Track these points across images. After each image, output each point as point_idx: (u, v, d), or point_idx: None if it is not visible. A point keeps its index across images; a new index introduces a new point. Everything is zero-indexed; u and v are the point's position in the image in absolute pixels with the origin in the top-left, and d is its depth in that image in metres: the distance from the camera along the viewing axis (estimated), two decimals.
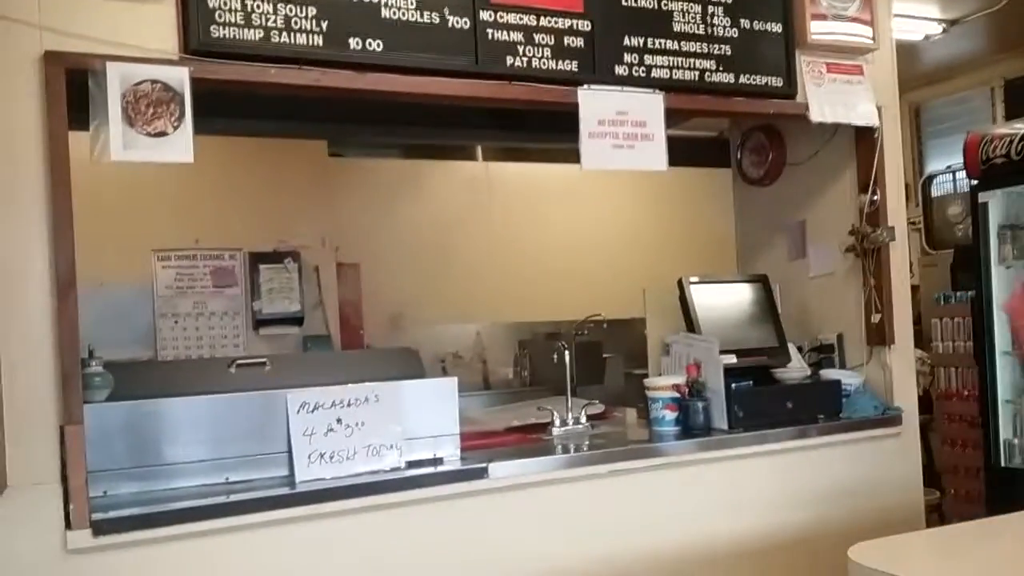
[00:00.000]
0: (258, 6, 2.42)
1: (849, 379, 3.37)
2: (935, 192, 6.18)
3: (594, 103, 2.85)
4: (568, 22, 2.85)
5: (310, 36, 2.49)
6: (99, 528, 2.16)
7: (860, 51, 3.35)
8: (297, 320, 4.09)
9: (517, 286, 4.89)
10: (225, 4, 2.38)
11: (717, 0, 3.09)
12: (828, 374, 3.41)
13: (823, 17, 3.23)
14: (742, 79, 3.13)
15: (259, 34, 2.43)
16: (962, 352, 4.83)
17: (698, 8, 3.06)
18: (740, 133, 3.98)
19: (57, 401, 2.16)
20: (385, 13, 2.59)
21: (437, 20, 2.66)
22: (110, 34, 2.26)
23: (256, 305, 4.03)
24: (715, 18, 3.09)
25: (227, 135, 3.76)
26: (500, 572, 2.67)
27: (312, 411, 2.44)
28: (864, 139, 3.45)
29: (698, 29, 3.06)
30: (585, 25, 2.87)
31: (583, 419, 3.17)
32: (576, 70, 2.86)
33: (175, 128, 2.30)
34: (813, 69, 3.26)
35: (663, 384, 3.09)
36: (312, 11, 2.49)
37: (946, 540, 1.84)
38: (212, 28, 2.36)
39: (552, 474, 2.77)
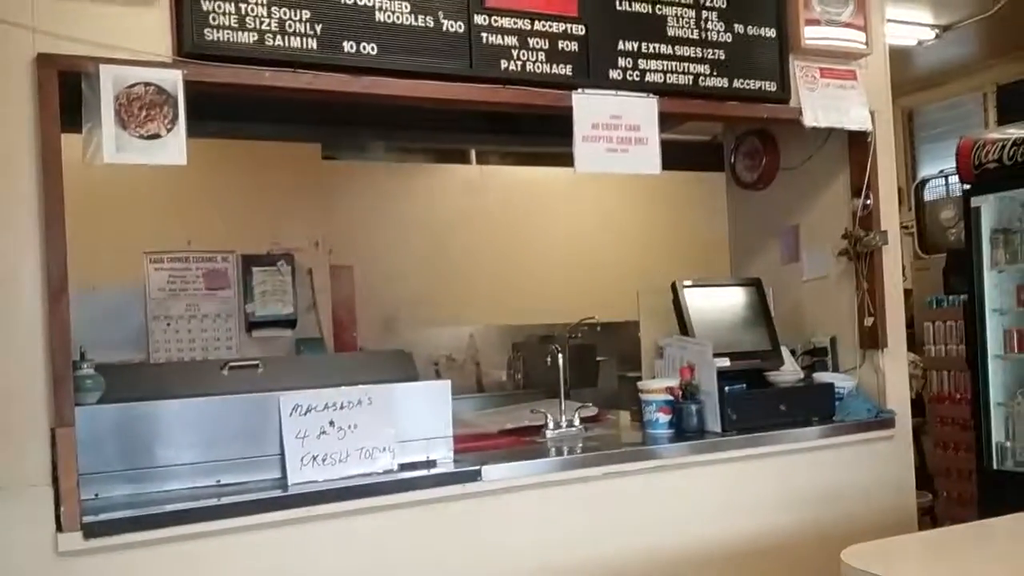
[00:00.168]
0: (252, 9, 2.42)
1: (842, 382, 3.39)
2: (928, 196, 6.19)
3: (588, 107, 2.86)
4: (562, 26, 2.85)
5: (304, 39, 2.49)
6: (90, 531, 2.15)
7: (853, 56, 3.36)
8: (290, 323, 4.08)
9: (511, 289, 4.89)
10: (219, 7, 2.38)
11: (711, 5, 3.10)
12: (821, 377, 3.42)
13: (816, 22, 3.25)
14: (736, 83, 3.14)
15: (253, 37, 2.42)
16: (954, 355, 4.85)
17: (692, 13, 3.07)
18: (734, 137, 3.99)
19: (48, 403, 2.15)
20: (379, 16, 2.59)
21: (431, 24, 2.66)
22: (103, 36, 2.26)
23: (249, 307, 4.01)
24: (709, 23, 3.10)
25: (220, 138, 3.75)
26: (494, 574, 2.67)
27: (305, 413, 2.44)
28: (857, 143, 3.46)
29: (692, 34, 3.07)
30: (579, 29, 2.87)
31: (576, 422, 3.17)
32: (570, 74, 2.86)
33: (168, 131, 2.30)
34: (807, 74, 3.27)
35: (657, 387, 3.10)
36: (306, 14, 2.49)
37: (938, 542, 1.85)
38: (206, 31, 2.36)
39: (545, 476, 2.77)
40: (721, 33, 3.12)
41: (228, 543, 2.31)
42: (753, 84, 3.18)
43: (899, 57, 4.49)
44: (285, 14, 2.46)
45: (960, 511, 4.55)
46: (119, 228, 3.81)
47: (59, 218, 2.19)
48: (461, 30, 2.69)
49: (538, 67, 2.81)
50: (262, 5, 2.43)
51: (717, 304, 3.39)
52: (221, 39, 2.38)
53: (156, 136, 2.28)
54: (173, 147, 2.31)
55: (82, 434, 2.18)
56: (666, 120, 3.05)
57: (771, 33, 3.22)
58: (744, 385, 3.21)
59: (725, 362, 3.13)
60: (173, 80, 2.31)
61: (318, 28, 2.50)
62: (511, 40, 2.77)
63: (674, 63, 3.04)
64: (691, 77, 3.06)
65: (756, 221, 3.96)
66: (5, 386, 2.13)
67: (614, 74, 2.93)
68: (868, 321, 3.43)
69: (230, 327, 3.97)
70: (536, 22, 2.81)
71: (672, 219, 5.35)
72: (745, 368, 3.24)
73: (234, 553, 2.33)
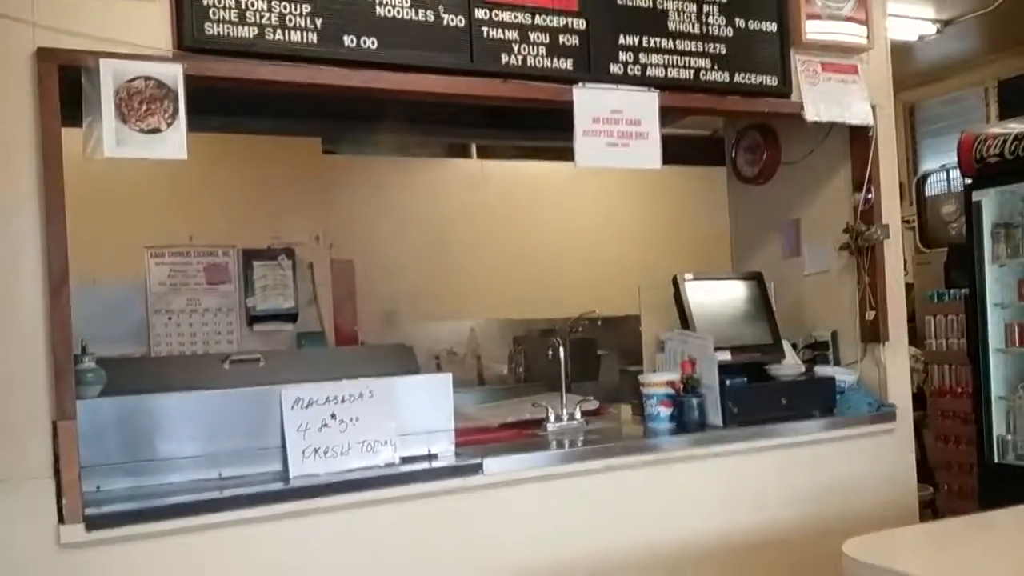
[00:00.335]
0: (252, 3, 2.42)
1: (843, 376, 3.38)
2: (929, 191, 6.19)
3: (589, 101, 2.86)
4: (563, 20, 2.85)
5: (304, 33, 2.48)
6: (92, 523, 2.15)
7: (855, 51, 3.35)
8: (291, 317, 4.09)
9: (512, 283, 4.89)
10: (219, 1, 2.38)
11: None
12: (822, 371, 3.42)
13: (818, 16, 3.24)
14: (737, 78, 3.14)
15: (253, 31, 2.42)
16: (955, 349, 4.85)
17: (693, 7, 3.06)
18: (735, 132, 3.99)
19: (50, 396, 2.15)
20: (379, 11, 2.58)
21: (432, 18, 2.66)
22: (103, 31, 2.26)
23: (250, 302, 4.02)
24: (710, 17, 3.09)
25: (221, 132, 3.75)
26: (494, 567, 2.67)
27: (306, 407, 2.44)
28: (858, 138, 3.46)
29: (693, 28, 3.06)
30: (580, 24, 2.87)
31: (577, 415, 3.17)
32: (571, 68, 2.86)
33: (169, 125, 2.30)
34: (808, 68, 3.26)
35: (658, 380, 3.10)
36: (306, 8, 2.49)
37: (940, 534, 1.85)
38: (206, 25, 2.36)
39: (546, 470, 2.78)
40: (722, 27, 3.11)
41: (229, 536, 2.32)
42: (754, 78, 3.17)
43: (900, 52, 4.48)
44: (285, 8, 2.46)
45: (961, 504, 4.56)
46: (120, 223, 3.81)
47: (60, 212, 2.19)
48: (461, 24, 2.69)
49: (539, 61, 2.81)
50: None
51: (718, 298, 3.39)
52: (221, 33, 2.38)
53: (156, 130, 2.28)
54: (173, 141, 2.31)
55: (84, 427, 2.18)
56: (667, 115, 3.04)
57: (772, 27, 3.21)
58: (745, 379, 3.21)
59: (726, 356, 3.13)
60: (173, 74, 2.31)
61: (318, 22, 2.50)
62: (512, 34, 2.77)
63: (675, 57, 3.03)
64: (692, 71, 3.06)
65: (757, 216, 3.96)
66: (7, 379, 2.13)
67: (615, 68, 2.93)
68: (869, 315, 3.43)
69: (231, 321, 3.98)
70: (537, 16, 2.81)
71: (673, 214, 5.35)
72: (746, 362, 3.24)
73: (235, 546, 2.33)
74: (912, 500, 3.46)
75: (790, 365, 3.36)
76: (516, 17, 2.77)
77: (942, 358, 4.94)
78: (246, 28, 2.41)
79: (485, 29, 2.72)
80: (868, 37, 3.34)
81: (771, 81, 3.20)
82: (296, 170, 4.33)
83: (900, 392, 3.45)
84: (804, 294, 3.70)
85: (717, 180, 4.19)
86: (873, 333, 3.44)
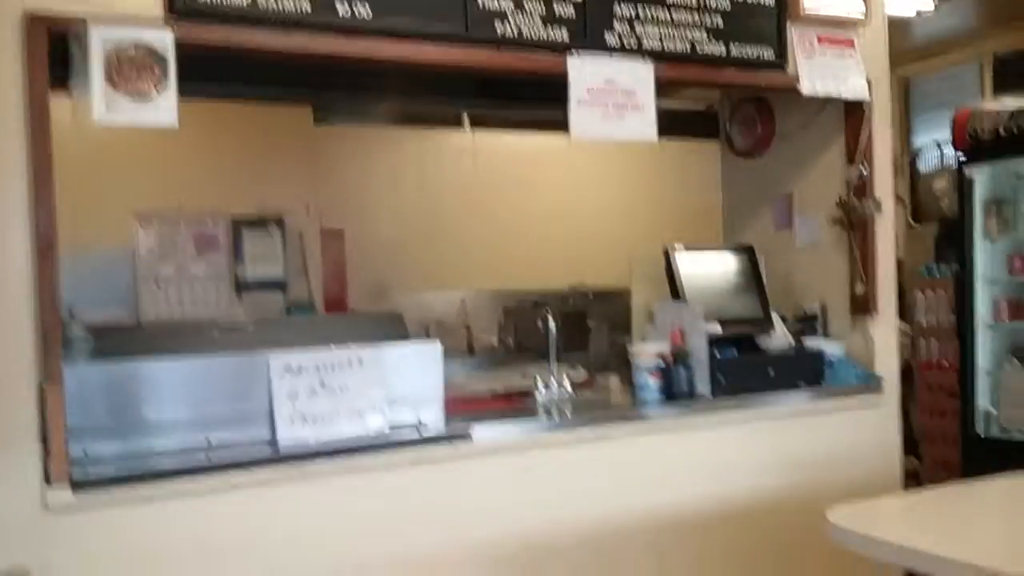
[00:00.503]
0: None
1: (832, 349, 3.40)
2: (922, 166, 6.20)
3: (584, 71, 2.83)
4: None
5: (297, 1, 2.45)
6: (79, 486, 2.16)
7: (852, 24, 3.34)
8: (280, 286, 4.08)
9: (502, 254, 4.88)
10: None
11: None
12: (811, 343, 3.43)
13: None
14: (733, 50, 3.12)
15: None
16: (944, 324, 4.88)
17: None
18: (730, 105, 3.97)
19: (37, 360, 2.15)
20: None
21: None
22: None
23: (239, 271, 4.01)
24: None
25: (211, 100, 3.71)
26: (482, 535, 2.70)
27: (295, 374, 2.44)
28: (853, 112, 3.45)
29: (690, 0, 3.04)
30: None
31: (567, 386, 3.18)
32: (566, 38, 2.84)
33: (159, 92, 2.27)
34: (804, 41, 3.24)
35: (647, 351, 3.11)
36: None
37: (922, 502, 1.88)
38: None
39: (536, 438, 2.79)
40: None
41: (217, 502, 2.33)
42: (751, 51, 3.15)
43: (897, 27, 4.45)
44: None
45: (944, 476, 4.60)
46: (109, 190, 3.79)
47: (48, 175, 2.17)
48: None
49: (534, 31, 2.79)
50: None
51: (709, 270, 3.40)
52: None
53: (146, 97, 2.26)
54: (164, 108, 2.28)
55: (71, 391, 2.18)
56: (662, 88, 3.03)
57: (769, 0, 3.19)
58: (735, 350, 3.23)
59: (716, 328, 3.14)
60: (164, 40, 2.28)
61: None
62: (506, 3, 2.74)
63: (671, 29, 3.01)
64: (688, 43, 3.04)
65: (750, 190, 3.96)
66: None
67: (610, 39, 2.90)
68: (859, 289, 3.44)
69: (220, 290, 3.96)
70: None
71: (665, 188, 5.34)
72: (736, 334, 3.26)
73: (223, 512, 2.35)
74: (896, 471, 3.50)
75: (779, 337, 3.37)
76: None
77: (930, 333, 4.97)
78: None
79: None
80: (865, 12, 3.33)
81: (768, 54, 3.18)
82: (286, 139, 4.30)
83: (888, 365, 3.47)
84: (795, 267, 3.71)
85: (710, 154, 4.17)
86: (863, 307, 3.45)
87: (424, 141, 5.02)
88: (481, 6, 2.70)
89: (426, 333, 4.48)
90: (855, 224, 3.46)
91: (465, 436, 2.64)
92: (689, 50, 3.04)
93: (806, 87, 3.21)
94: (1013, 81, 4.42)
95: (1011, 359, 4.15)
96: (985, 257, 4.22)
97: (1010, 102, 4.13)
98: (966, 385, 4.27)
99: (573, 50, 2.83)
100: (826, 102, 3.44)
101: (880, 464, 3.41)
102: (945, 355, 4.82)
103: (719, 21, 3.09)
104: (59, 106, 2.22)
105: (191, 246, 3.96)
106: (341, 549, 2.48)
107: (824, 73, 3.25)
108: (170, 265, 3.90)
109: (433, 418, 2.66)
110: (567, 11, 2.83)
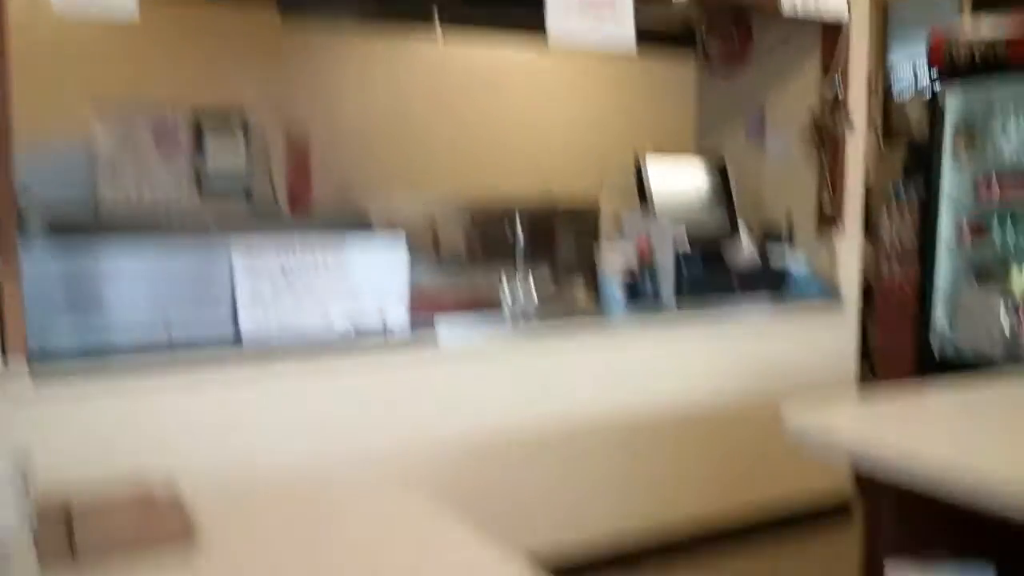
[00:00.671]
0: None
1: (796, 262, 3.43)
2: (895, 89, 6.17)
3: None
4: None
5: None
6: (38, 375, 2.13)
7: None
8: (244, 188, 3.99)
9: (471, 163, 4.82)
10: None
11: None
12: (776, 257, 3.46)
13: None
14: None
15: None
16: (908, 246, 4.92)
17: None
18: (707, 20, 3.90)
19: None
20: None
21: None
22: None
23: (202, 172, 3.91)
24: None
25: None
26: (444, 435, 2.72)
27: (259, 267, 2.40)
28: (830, 32, 3.43)
29: None
30: None
31: (533, 293, 3.18)
32: None
33: None
34: None
35: (614, 260, 3.11)
36: None
37: (876, 402, 1.93)
38: None
39: (501, 344, 2.80)
40: None
41: (178, 395, 2.32)
42: None
43: None
44: None
45: None
46: (67, 87, 3.65)
47: (4, 65, 2.08)
48: None
49: None
50: None
51: (679, 182, 3.39)
52: None
53: None
54: (125, 1, 2.18)
55: (29, 281, 2.13)
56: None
57: None
58: (701, 261, 3.24)
59: (683, 239, 3.14)
60: None
61: None
62: None
63: None
64: None
65: (723, 105, 3.93)
66: None
67: None
68: (827, 206, 3.46)
69: (181, 189, 3.87)
70: None
71: (638, 100, 5.27)
72: (703, 245, 3.26)
73: (183, 405, 2.33)
74: (852, 384, 3.58)
75: (745, 250, 3.39)
76: None
77: (894, 254, 5.02)
78: None
79: None
80: None
81: None
82: (252, 42, 4.16)
83: (849, 281, 3.53)
84: (764, 183, 3.71)
85: (684, 70, 4.12)
86: (829, 223, 3.48)
87: (394, 44, 4.88)
88: None
89: None
90: (826, 141, 3.46)
91: (430, 338, 2.63)
92: None
93: (787, 6, 3.17)
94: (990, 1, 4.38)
95: (971, 282, 4.22)
96: (952, 180, 4.24)
97: (986, 25, 4.09)
98: (925, 307, 4.34)
99: None
100: (804, 21, 3.39)
101: (837, 377, 3.48)
102: (907, 277, 4.89)
103: None
104: None
105: (152, 146, 3.85)
106: (303, 444, 2.49)
107: None
108: (130, 165, 3.79)
109: (398, 320, 2.64)
110: None
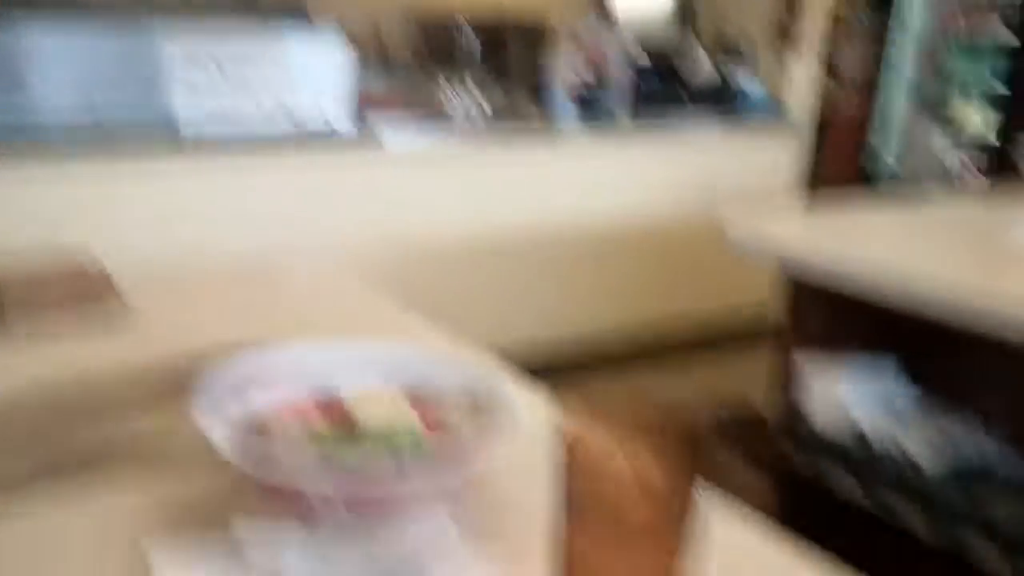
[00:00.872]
0: None
1: (751, 82, 3.40)
2: None
3: None
4: None
5: None
6: None
7: None
8: None
9: None
10: None
11: None
12: (732, 76, 3.42)
13: None
14: None
15: None
16: (865, 77, 4.88)
17: None
18: None
19: None
20: None
21: None
22: None
23: None
24: None
25: None
26: (390, 233, 2.72)
27: (192, 53, 2.29)
28: None
29: None
30: None
31: (484, 103, 3.12)
32: None
33: None
34: None
35: (567, 74, 3.04)
36: None
37: (812, 215, 1.98)
38: None
39: (450, 150, 2.76)
40: None
41: (112, 188, 2.26)
42: None
43: None
44: None
45: None
46: None
47: None
48: None
49: None
50: None
51: None
52: None
53: None
54: None
55: None
56: None
57: None
58: (657, 77, 3.19)
59: (641, 55, 3.07)
60: None
61: None
62: None
63: None
64: None
65: None
66: None
67: None
68: (786, 27, 3.39)
69: None
70: None
71: None
72: (658, 59, 3.20)
73: (118, 194, 2.29)
74: (798, 201, 3.64)
75: (701, 68, 3.33)
76: None
77: (851, 83, 4.98)
78: None
79: None
80: None
81: None
82: None
83: (801, 104, 3.51)
84: (724, 1, 3.61)
85: None
86: (787, 44, 3.42)
87: None
88: None
89: None
90: None
91: (373, 139, 2.58)
92: None
93: None
94: None
95: (921, 115, 4.22)
96: (918, 11, 4.16)
97: None
98: (874, 137, 4.36)
99: None
100: None
101: (784, 195, 3.53)
102: (860, 108, 4.87)
103: None
104: None
105: None
106: (245, 239, 2.47)
107: None
108: None
109: (339, 114, 2.56)
110: None
